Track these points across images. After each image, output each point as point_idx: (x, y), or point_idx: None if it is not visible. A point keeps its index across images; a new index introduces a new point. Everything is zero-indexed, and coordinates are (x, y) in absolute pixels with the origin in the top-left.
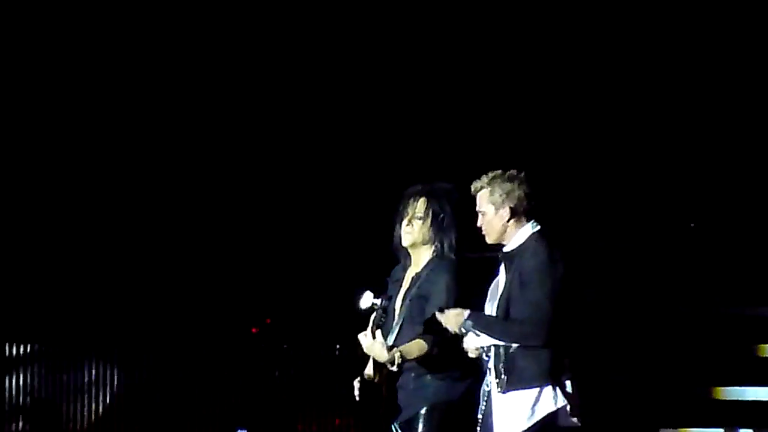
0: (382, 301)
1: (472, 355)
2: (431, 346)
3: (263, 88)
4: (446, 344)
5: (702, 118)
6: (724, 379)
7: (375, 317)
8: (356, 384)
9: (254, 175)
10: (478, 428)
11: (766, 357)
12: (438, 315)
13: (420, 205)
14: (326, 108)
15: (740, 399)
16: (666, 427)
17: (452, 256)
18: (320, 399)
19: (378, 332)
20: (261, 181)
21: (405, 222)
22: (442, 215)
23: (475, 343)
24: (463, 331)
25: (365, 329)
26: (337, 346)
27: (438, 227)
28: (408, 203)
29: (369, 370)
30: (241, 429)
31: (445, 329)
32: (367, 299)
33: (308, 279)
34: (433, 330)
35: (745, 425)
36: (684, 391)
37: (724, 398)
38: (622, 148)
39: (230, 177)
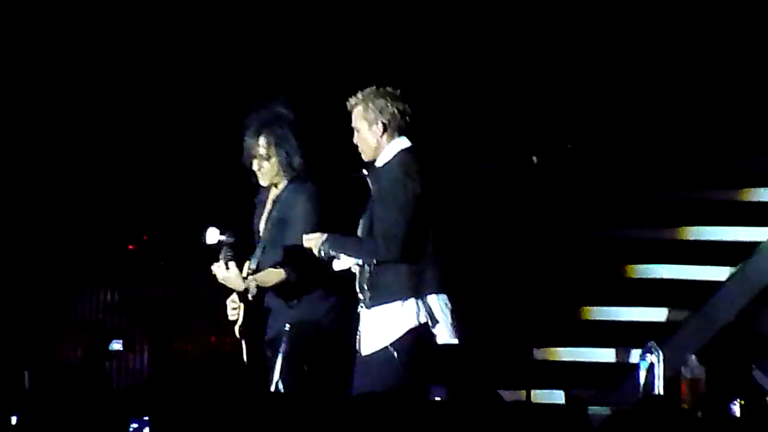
0: (227, 237)
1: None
2: (288, 274)
3: None
4: (305, 270)
5: (578, 38)
6: (596, 300)
7: (223, 253)
8: (229, 304)
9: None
10: (358, 346)
11: (634, 278)
12: (304, 239)
13: (261, 144)
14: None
15: (612, 319)
16: (540, 347)
17: (308, 178)
18: (195, 318)
19: (231, 263)
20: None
21: (254, 165)
22: (285, 145)
23: (338, 265)
24: (323, 254)
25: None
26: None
27: (285, 156)
28: (248, 143)
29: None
30: (117, 341)
31: (303, 255)
32: (212, 235)
33: (185, 196)
34: (290, 256)
35: (613, 344)
36: (557, 312)
37: (594, 318)
38: (505, 69)
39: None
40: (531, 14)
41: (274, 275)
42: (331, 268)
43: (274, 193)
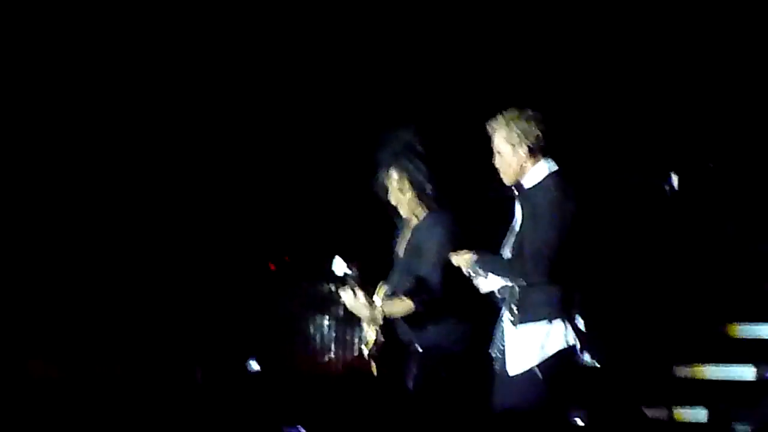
0: (353, 271)
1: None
2: (416, 305)
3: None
4: (435, 300)
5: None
6: (740, 316)
7: (349, 287)
8: (365, 336)
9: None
10: (495, 365)
11: None
12: (452, 256)
13: (393, 179)
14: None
15: (755, 336)
16: (682, 364)
17: (446, 206)
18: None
19: (360, 293)
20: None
21: (391, 200)
22: (418, 177)
23: (485, 286)
24: (472, 273)
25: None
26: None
27: (420, 188)
28: (381, 179)
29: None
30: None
31: (433, 285)
32: (339, 267)
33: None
34: (420, 286)
35: (756, 361)
36: (701, 328)
37: (739, 336)
38: (647, 83)
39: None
40: (663, 23)
41: (400, 306)
42: (477, 288)
43: (414, 221)
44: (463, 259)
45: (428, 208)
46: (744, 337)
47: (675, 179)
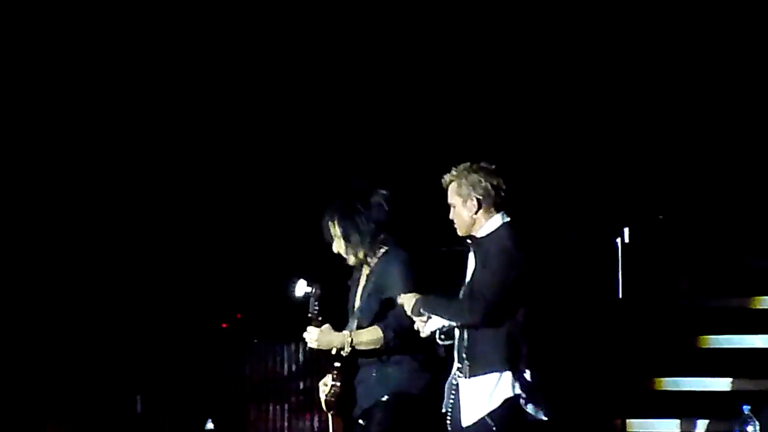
0: (314, 289)
1: (423, 334)
2: (385, 333)
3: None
4: (403, 335)
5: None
6: (672, 372)
7: (310, 306)
8: (321, 387)
9: (214, 172)
10: (448, 420)
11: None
12: (398, 299)
13: (335, 230)
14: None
15: (702, 389)
16: (618, 418)
17: (399, 247)
18: (288, 394)
19: (326, 325)
20: (220, 178)
21: (335, 248)
22: (360, 227)
23: (427, 327)
24: (414, 314)
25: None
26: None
27: (365, 235)
28: (325, 228)
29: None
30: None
31: (401, 319)
32: (300, 288)
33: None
34: (387, 318)
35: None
36: (642, 383)
37: (673, 389)
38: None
39: (192, 172)
40: (615, 83)
41: (369, 334)
42: (420, 332)
43: (366, 269)
44: (407, 298)
45: (371, 251)
46: (688, 389)
47: (626, 233)
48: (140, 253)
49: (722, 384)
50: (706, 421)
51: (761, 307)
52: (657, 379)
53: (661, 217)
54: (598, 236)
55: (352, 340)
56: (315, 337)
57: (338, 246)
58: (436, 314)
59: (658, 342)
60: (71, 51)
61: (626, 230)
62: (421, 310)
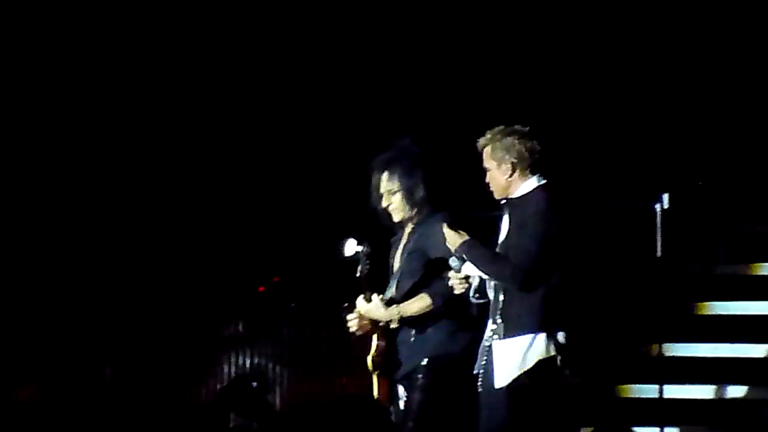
0: (364, 248)
1: (456, 291)
2: (434, 299)
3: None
4: (448, 298)
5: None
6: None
7: (361, 265)
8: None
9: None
10: (479, 382)
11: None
12: (444, 228)
13: (385, 179)
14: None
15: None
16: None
17: (438, 209)
18: (327, 358)
19: (374, 296)
20: (262, 142)
21: (383, 202)
22: (410, 178)
23: (463, 270)
24: (455, 254)
25: (354, 275)
26: (345, 305)
27: (411, 192)
28: (375, 182)
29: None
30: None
31: (447, 284)
32: (350, 247)
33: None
34: (434, 284)
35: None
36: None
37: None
38: (634, 107)
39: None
40: (657, 57)
41: (418, 302)
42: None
43: (409, 228)
44: (453, 236)
45: (422, 211)
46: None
47: (666, 198)
48: (171, 221)
49: (760, 350)
50: (745, 388)
51: None
52: (690, 345)
53: (700, 183)
54: (638, 202)
55: (400, 313)
56: (365, 308)
57: (388, 200)
58: (476, 264)
59: (693, 307)
60: (71, 51)
61: (665, 196)
62: (464, 255)
